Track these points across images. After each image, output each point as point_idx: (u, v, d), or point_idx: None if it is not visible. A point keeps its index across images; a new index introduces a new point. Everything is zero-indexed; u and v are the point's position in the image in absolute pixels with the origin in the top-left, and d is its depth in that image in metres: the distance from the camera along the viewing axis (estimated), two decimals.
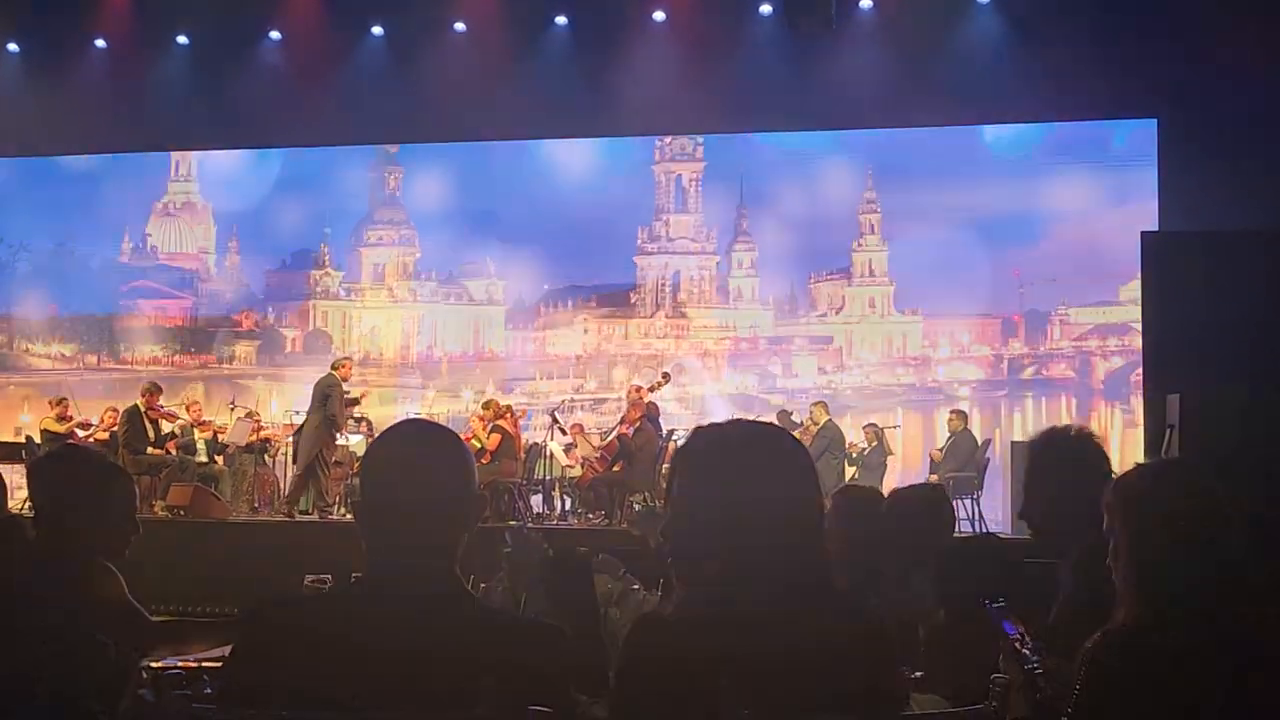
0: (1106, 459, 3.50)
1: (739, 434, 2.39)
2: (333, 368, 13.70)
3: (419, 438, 2.43)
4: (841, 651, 2.18)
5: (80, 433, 14.15)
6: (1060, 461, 3.48)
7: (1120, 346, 16.82)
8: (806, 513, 2.28)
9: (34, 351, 20.26)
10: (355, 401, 14.22)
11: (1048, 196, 16.71)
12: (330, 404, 13.25)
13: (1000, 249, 17.14)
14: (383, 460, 2.42)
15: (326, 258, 20.17)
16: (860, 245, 18.63)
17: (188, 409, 15.05)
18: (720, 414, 15.89)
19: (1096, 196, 16.56)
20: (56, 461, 3.81)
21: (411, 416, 14.70)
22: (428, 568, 2.28)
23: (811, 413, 14.79)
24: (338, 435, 13.70)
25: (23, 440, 14.83)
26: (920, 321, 18.40)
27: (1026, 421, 17.62)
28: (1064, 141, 16.70)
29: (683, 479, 2.33)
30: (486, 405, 14.42)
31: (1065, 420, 17.14)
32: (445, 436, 2.43)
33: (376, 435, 2.75)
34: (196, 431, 14.82)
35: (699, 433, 2.41)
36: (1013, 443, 14.41)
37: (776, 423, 14.34)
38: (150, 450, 13.71)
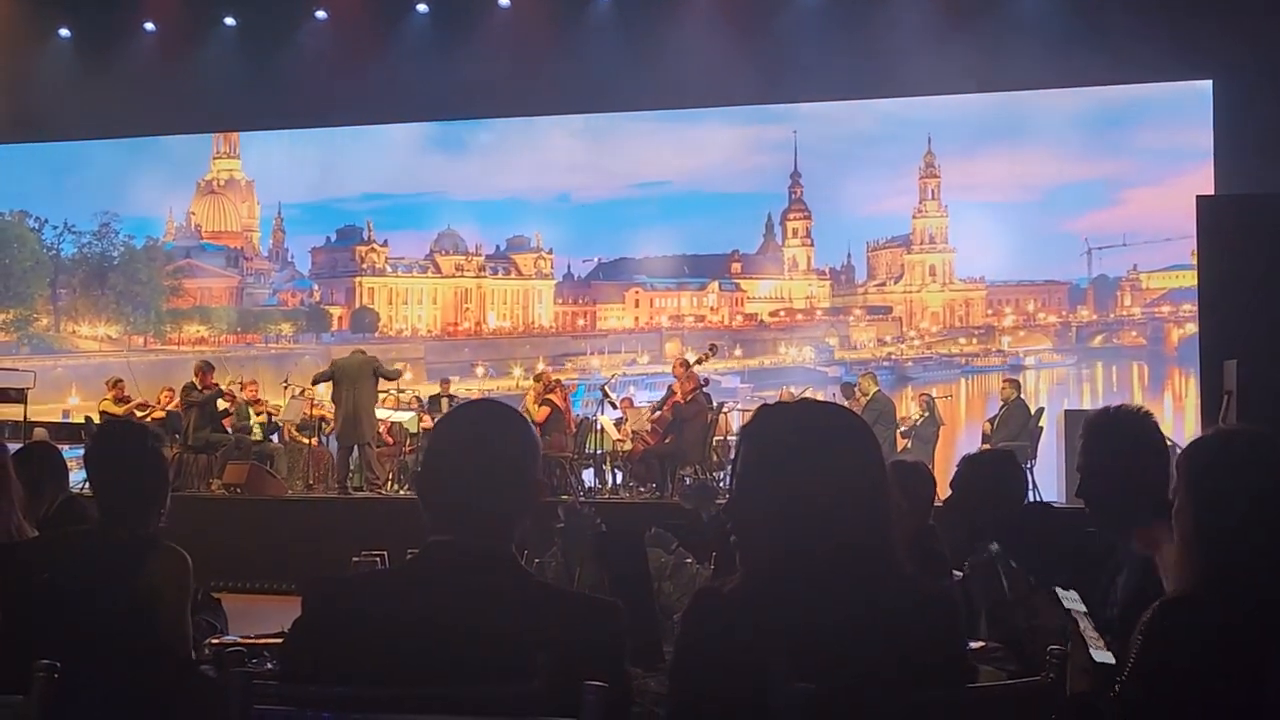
0: (1164, 439, 3.43)
1: (804, 414, 2.38)
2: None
3: (487, 417, 2.45)
4: (907, 628, 2.18)
5: (138, 413, 14.31)
6: (1118, 439, 3.39)
7: (1194, 312, 16.22)
8: (871, 493, 2.27)
9: (80, 334, 20.43)
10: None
11: (1114, 161, 16.28)
12: (379, 373, 13.47)
13: (1066, 214, 16.71)
14: (451, 437, 2.45)
15: (373, 234, 20.21)
16: (920, 211, 18.27)
17: (243, 388, 15.19)
18: (772, 388, 15.84)
19: (1164, 159, 16.06)
20: (104, 441, 3.87)
21: (482, 396, 14.81)
22: (485, 545, 2.30)
23: (860, 384, 14.69)
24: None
25: (81, 421, 15.03)
26: (984, 290, 18.01)
27: (1097, 390, 17.17)
28: (1126, 104, 16.20)
29: (747, 459, 2.32)
30: (538, 378, 14.52)
31: (1138, 390, 16.77)
32: (513, 417, 2.46)
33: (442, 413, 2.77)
34: (251, 410, 14.96)
35: (763, 412, 2.40)
36: (1066, 411, 14.24)
37: (840, 396, 14.34)
38: (208, 429, 13.86)
